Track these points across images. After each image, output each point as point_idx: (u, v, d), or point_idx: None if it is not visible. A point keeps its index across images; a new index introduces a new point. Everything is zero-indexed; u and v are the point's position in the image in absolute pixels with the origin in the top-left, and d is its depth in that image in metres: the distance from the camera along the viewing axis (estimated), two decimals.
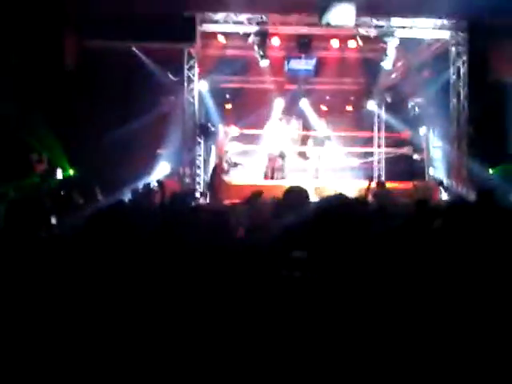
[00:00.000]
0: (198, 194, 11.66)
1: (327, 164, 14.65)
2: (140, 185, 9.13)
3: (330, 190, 11.28)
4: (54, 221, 4.28)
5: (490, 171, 12.35)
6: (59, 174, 10.70)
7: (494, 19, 10.54)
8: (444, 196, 11.32)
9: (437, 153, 14.66)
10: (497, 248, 2.45)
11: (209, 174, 13.60)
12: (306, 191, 3.96)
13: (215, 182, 12.43)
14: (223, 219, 3.43)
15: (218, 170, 12.90)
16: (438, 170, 14.26)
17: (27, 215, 2.76)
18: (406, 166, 14.74)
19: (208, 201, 11.44)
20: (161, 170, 13.54)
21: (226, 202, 9.35)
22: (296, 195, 3.76)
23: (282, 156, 13.83)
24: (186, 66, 12.49)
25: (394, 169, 14.93)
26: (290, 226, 3.47)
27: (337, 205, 2.29)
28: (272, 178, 13.60)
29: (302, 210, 3.72)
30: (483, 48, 12.23)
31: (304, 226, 3.01)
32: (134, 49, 12.12)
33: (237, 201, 9.29)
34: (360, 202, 6.09)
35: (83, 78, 12.84)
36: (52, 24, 11.25)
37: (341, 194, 2.49)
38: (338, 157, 15.12)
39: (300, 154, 15.12)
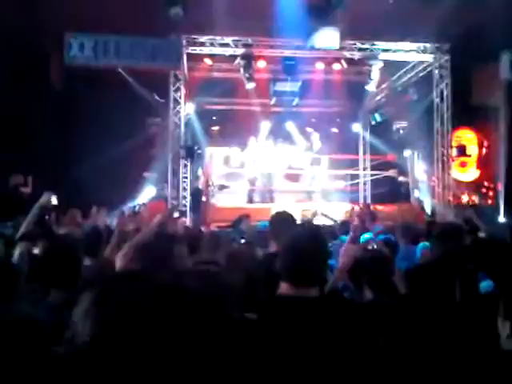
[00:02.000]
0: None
1: (318, 186, 14.69)
2: (125, 208, 9.03)
3: (318, 213, 11.28)
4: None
5: None
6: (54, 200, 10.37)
7: (476, 43, 10.71)
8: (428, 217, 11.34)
9: (421, 175, 14.77)
10: None
11: (193, 197, 13.54)
12: (291, 216, 3.93)
13: (200, 205, 12.38)
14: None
15: (203, 193, 12.86)
16: (422, 193, 14.35)
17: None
18: (391, 189, 14.81)
19: (190, 222, 11.33)
20: (147, 193, 13.46)
21: (213, 225, 9.29)
22: (282, 220, 3.72)
23: (253, 180, 13.97)
24: (172, 88, 12.48)
25: (379, 191, 14.99)
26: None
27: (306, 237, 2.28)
28: (251, 201, 13.62)
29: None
30: (466, 71, 12.43)
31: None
32: (120, 70, 12.08)
33: (222, 224, 9.26)
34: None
35: (69, 99, 12.83)
36: (38, 46, 11.25)
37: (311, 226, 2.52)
38: (327, 179, 15.18)
39: (288, 176, 15.13)
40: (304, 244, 2.23)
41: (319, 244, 2.31)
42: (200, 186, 13.53)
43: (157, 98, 13.70)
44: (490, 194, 15.67)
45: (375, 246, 3.62)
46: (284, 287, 2.14)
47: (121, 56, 11.35)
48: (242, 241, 5.40)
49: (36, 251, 4.14)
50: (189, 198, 12.93)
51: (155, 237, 3.66)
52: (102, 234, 4.04)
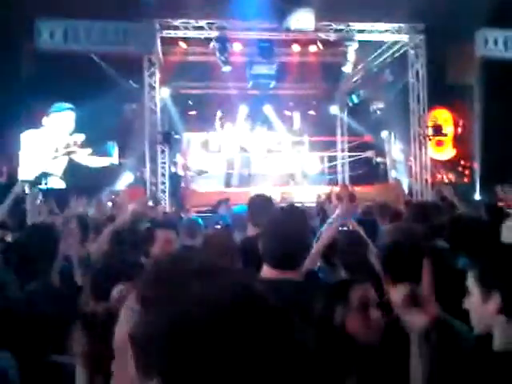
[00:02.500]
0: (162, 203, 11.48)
1: (297, 169, 14.71)
2: (103, 195, 8.92)
3: (296, 195, 11.30)
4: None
5: None
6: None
7: (450, 22, 10.74)
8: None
9: (398, 155, 14.89)
10: None
11: (172, 182, 13.47)
12: (270, 199, 3.92)
13: (179, 190, 12.31)
14: None
15: (182, 178, 12.79)
16: (400, 173, 14.49)
17: None
18: (369, 170, 14.91)
19: (170, 209, 11.28)
20: (125, 179, 13.35)
21: (192, 209, 9.24)
22: (260, 203, 3.72)
23: (231, 162, 13.92)
24: (146, 73, 12.30)
25: (357, 172, 15.08)
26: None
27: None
28: (229, 185, 13.58)
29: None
30: (441, 51, 12.48)
31: None
32: (93, 56, 11.86)
33: (202, 209, 9.23)
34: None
35: (41, 84, 12.59)
36: (9, 30, 10.99)
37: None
38: (306, 161, 15.21)
39: (266, 160, 15.12)
40: (289, 226, 2.21)
41: (303, 226, 2.29)
42: (178, 172, 13.45)
43: (131, 83, 13.52)
44: (466, 172, 15.88)
45: (350, 227, 3.62)
46: (267, 271, 2.11)
47: (92, 41, 11.13)
48: (218, 226, 5.38)
49: (9, 239, 4.09)
50: (167, 183, 12.85)
51: (130, 224, 3.63)
52: (87, 223, 4.00)
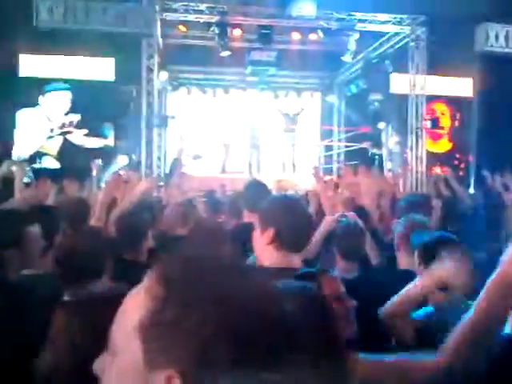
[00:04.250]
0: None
1: (291, 157, 14.67)
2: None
3: (291, 183, 11.29)
4: None
5: None
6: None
7: (452, 15, 10.72)
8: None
9: (395, 147, 14.88)
10: None
11: (168, 166, 13.42)
12: (266, 186, 3.91)
13: (176, 174, 12.24)
14: None
15: (178, 162, 12.72)
16: (395, 164, 14.49)
17: None
18: (365, 161, 14.89)
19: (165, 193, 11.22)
20: (120, 162, 13.29)
21: (189, 194, 9.19)
22: (257, 189, 3.70)
23: (227, 146, 13.86)
24: (144, 56, 12.21)
25: (353, 163, 15.05)
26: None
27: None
28: (224, 170, 13.56)
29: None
30: (441, 43, 12.45)
31: None
32: (91, 35, 11.75)
33: (198, 193, 9.19)
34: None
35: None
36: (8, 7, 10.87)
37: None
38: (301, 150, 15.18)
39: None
40: (300, 207, 2.21)
41: (307, 210, 2.30)
42: (176, 156, 13.41)
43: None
44: (462, 166, 15.90)
45: (348, 217, 3.63)
46: (271, 252, 2.05)
47: (91, 21, 11.03)
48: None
49: None
50: (162, 166, 12.81)
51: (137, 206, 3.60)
52: (87, 205, 3.94)
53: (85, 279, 2.09)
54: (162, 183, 8.08)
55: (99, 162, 7.04)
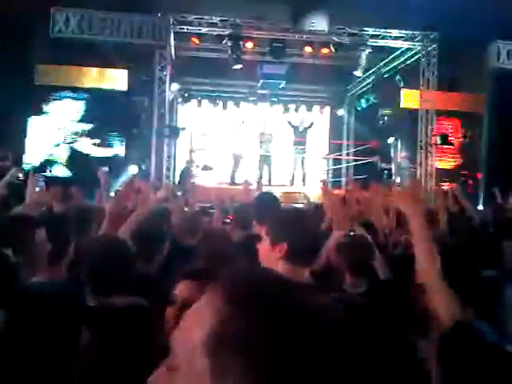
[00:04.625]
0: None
1: (300, 170, 14.64)
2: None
3: (299, 196, 11.32)
4: None
5: None
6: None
7: (463, 32, 10.76)
8: None
9: (404, 162, 14.87)
10: None
11: (178, 176, 13.49)
12: (276, 198, 3.95)
13: (186, 185, 12.30)
14: None
15: (188, 172, 12.80)
16: (404, 180, 14.46)
17: None
18: (373, 175, 14.88)
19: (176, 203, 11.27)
20: (130, 171, 13.37)
21: (197, 204, 9.24)
22: (268, 200, 3.74)
23: (238, 158, 13.86)
24: (157, 67, 12.35)
25: (361, 177, 15.04)
26: None
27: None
28: (234, 182, 13.52)
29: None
30: (453, 60, 12.49)
31: None
32: (104, 46, 11.90)
33: (207, 204, 9.24)
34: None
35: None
36: (24, 17, 11.01)
37: None
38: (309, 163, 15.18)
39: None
40: (311, 221, 2.24)
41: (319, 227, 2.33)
42: (187, 166, 13.48)
43: (143, 77, 13.54)
44: (470, 182, 15.84)
45: (357, 231, 3.65)
46: (281, 266, 2.07)
47: (106, 32, 11.19)
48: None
49: None
50: (171, 177, 12.87)
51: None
52: (92, 212, 3.94)
53: (111, 291, 2.11)
54: (179, 192, 8.11)
55: (106, 169, 7.06)
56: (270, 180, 13.68)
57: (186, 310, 0.74)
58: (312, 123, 14.25)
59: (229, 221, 4.18)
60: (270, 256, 2.10)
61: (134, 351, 1.68)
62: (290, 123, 14.57)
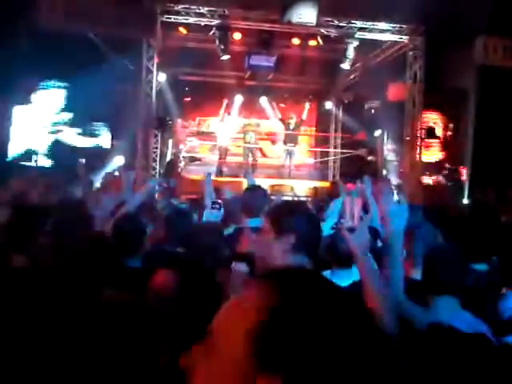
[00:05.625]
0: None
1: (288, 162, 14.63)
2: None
3: (287, 188, 11.35)
4: None
5: None
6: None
7: (450, 26, 10.81)
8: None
9: (390, 155, 14.97)
10: None
11: (164, 167, 13.43)
12: (265, 191, 3.96)
13: (171, 176, 12.27)
14: None
15: (174, 164, 12.76)
16: (390, 172, 14.57)
17: None
18: (360, 167, 14.95)
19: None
20: (116, 162, 13.29)
21: (182, 197, 9.24)
22: (257, 194, 3.74)
23: (224, 151, 13.83)
24: (144, 57, 12.24)
25: (348, 170, 15.11)
26: None
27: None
28: (221, 174, 13.49)
29: None
30: (439, 54, 12.54)
31: None
32: (90, 35, 11.75)
33: (193, 196, 9.22)
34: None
35: (35, 60, 12.46)
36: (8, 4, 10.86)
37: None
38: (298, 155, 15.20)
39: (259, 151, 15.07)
40: (315, 216, 2.27)
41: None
42: (172, 157, 13.43)
43: (128, 65, 13.40)
44: (453, 176, 15.96)
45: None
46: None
47: (92, 20, 11.05)
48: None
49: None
50: (158, 168, 12.80)
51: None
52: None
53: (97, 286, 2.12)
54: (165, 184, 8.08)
55: (83, 161, 7.01)
56: (253, 170, 13.67)
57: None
58: (301, 119, 14.24)
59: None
60: (275, 248, 2.07)
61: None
62: (276, 115, 14.57)
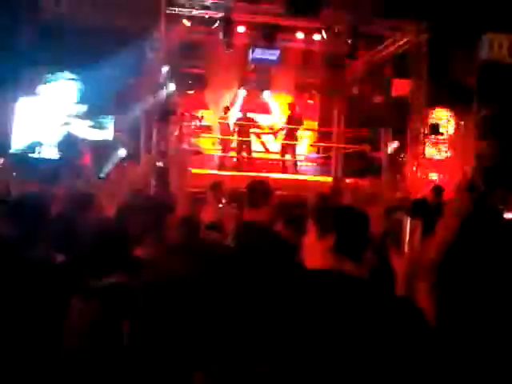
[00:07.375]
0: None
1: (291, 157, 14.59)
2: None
3: (289, 184, 11.30)
4: None
5: None
6: None
7: (456, 23, 10.76)
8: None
9: (394, 151, 14.88)
10: None
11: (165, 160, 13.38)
12: (269, 185, 3.93)
13: (173, 169, 12.24)
14: None
15: (177, 158, 12.71)
16: (394, 169, 14.48)
17: None
18: (363, 163, 14.89)
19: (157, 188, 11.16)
20: (118, 153, 13.28)
21: (185, 190, 9.22)
22: (260, 188, 3.71)
23: (226, 144, 13.81)
24: (148, 49, 12.19)
25: (351, 165, 15.05)
26: None
27: None
28: (223, 167, 13.46)
29: None
30: (444, 51, 12.49)
31: None
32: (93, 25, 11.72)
33: (195, 190, 9.21)
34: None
35: (43, 52, 12.44)
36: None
37: None
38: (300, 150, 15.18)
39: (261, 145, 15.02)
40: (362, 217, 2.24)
41: None
42: (174, 151, 13.38)
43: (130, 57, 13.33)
44: (459, 173, 15.89)
45: None
46: (339, 261, 2.05)
47: (97, 11, 11.02)
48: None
49: None
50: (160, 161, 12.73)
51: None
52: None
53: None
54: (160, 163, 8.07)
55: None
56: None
57: None
58: (302, 120, 14.25)
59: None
60: (317, 249, 2.09)
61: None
62: (280, 110, 14.52)
